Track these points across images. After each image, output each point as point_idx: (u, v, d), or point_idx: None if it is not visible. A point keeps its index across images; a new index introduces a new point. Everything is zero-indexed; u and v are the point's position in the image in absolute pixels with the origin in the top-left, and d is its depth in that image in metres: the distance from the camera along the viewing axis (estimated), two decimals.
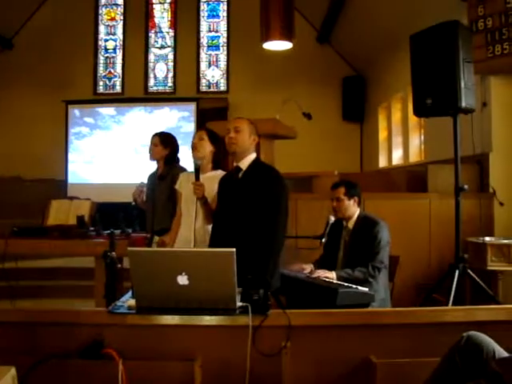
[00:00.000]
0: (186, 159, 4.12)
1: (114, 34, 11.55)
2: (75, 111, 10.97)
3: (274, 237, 2.85)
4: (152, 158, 4.06)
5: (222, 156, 3.54)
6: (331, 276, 3.37)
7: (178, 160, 4.08)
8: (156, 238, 3.86)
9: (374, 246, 3.46)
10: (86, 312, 2.37)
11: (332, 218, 3.64)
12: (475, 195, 4.80)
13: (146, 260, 2.26)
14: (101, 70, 11.50)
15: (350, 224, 3.66)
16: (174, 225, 3.61)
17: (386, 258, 3.50)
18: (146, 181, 4.15)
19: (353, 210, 3.65)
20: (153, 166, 4.20)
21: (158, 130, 4.21)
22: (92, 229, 4.14)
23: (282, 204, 2.93)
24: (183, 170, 3.90)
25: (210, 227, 3.26)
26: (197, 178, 3.20)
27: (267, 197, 2.90)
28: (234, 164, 3.13)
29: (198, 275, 2.22)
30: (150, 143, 4.06)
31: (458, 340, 2.04)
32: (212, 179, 3.33)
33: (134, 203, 4.08)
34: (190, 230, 3.38)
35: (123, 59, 11.45)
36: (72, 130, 10.94)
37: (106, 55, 11.53)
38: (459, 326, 2.25)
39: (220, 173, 3.43)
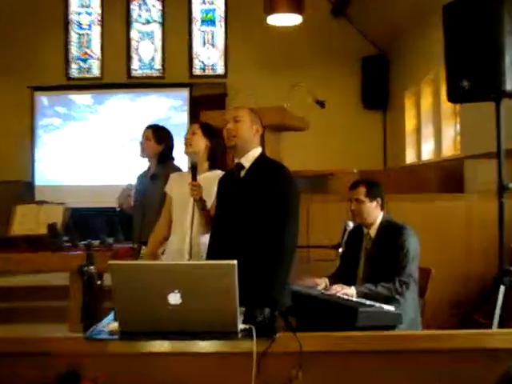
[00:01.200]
0: (178, 157, 4.14)
1: (89, 7, 11.58)
2: (43, 99, 11.01)
3: (282, 247, 2.86)
4: (143, 154, 4.08)
5: (221, 153, 3.56)
6: (350, 292, 3.38)
7: (172, 158, 4.10)
8: (144, 249, 3.87)
9: (401, 258, 3.46)
10: (59, 339, 2.38)
11: (350, 224, 3.64)
12: None
13: (131, 275, 2.26)
14: (74, 50, 11.53)
15: (372, 231, 3.66)
16: (155, 233, 3.62)
17: (415, 271, 3.50)
18: (133, 182, 4.16)
19: (375, 213, 3.65)
20: (141, 165, 4.21)
21: (145, 122, 4.24)
22: (66, 239, 4.16)
23: (291, 208, 2.94)
24: (179, 169, 3.92)
25: (207, 237, 3.27)
26: (194, 177, 3.21)
27: (274, 200, 2.91)
28: (235, 161, 3.14)
29: (192, 293, 2.22)
30: (141, 137, 4.08)
31: (505, 371, 2.04)
32: (209, 180, 3.34)
33: (119, 209, 4.10)
34: (184, 240, 3.39)
35: (101, 37, 11.49)
36: (40, 122, 10.97)
37: (79, 32, 11.57)
38: (506, 352, 2.25)
39: (219, 173, 3.45)
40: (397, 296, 3.41)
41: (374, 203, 3.65)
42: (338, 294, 3.36)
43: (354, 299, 3.31)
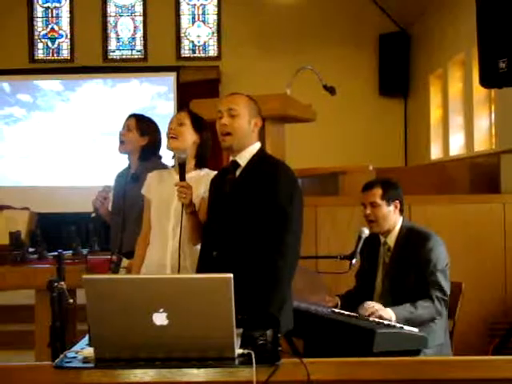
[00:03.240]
0: (165, 155, 4.12)
1: None
2: (4, 85, 11.00)
3: (280, 259, 2.87)
4: (122, 148, 4.06)
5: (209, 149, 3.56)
6: (388, 316, 3.33)
7: (159, 157, 4.09)
8: (125, 262, 3.87)
9: (432, 270, 3.46)
10: (23, 368, 2.37)
11: (366, 231, 3.64)
12: None
13: (108, 292, 2.26)
14: (39, 26, 11.53)
15: (391, 239, 3.66)
16: (139, 244, 3.62)
17: (448, 285, 3.51)
18: (111, 183, 4.15)
19: (393, 219, 3.65)
20: (120, 163, 4.19)
21: (125, 112, 4.20)
22: (32, 250, 4.16)
23: (293, 213, 2.94)
24: (165, 168, 3.91)
25: (197, 248, 3.28)
26: (182, 177, 3.21)
27: (273, 203, 2.92)
28: (230, 158, 3.15)
29: (181, 312, 2.23)
30: (121, 127, 4.06)
31: None
32: (194, 180, 3.34)
33: (94, 215, 4.09)
34: (165, 251, 3.39)
35: (71, 12, 11.47)
36: (0, 112, 10.97)
37: (46, 5, 11.55)
38: None
39: (206, 172, 3.46)
40: (438, 317, 3.42)
41: (392, 207, 3.65)
42: (372, 317, 3.33)
43: (372, 319, 3.31)
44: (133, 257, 3.77)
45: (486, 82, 4.30)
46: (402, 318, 3.34)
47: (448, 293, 3.49)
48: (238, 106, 3.08)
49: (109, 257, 4.05)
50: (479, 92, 7.88)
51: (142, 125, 4.04)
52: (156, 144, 4.08)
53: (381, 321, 3.26)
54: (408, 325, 3.27)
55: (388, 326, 3.17)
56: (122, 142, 4.05)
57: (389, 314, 3.34)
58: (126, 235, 3.94)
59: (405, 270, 3.55)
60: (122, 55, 11.46)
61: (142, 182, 3.88)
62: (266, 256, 2.86)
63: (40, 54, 11.45)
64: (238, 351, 2.28)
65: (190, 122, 3.49)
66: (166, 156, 4.06)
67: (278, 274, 2.86)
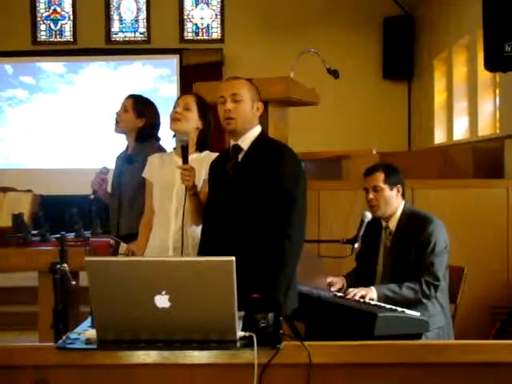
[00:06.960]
0: (166, 137, 4.11)
1: None
2: (6, 67, 10.99)
3: (287, 241, 2.88)
4: (117, 128, 4.05)
5: (211, 133, 3.55)
6: (371, 296, 3.39)
7: (157, 139, 4.08)
8: (123, 247, 3.87)
9: (428, 254, 3.48)
10: (26, 349, 2.39)
11: (368, 215, 3.65)
12: None
13: (110, 274, 2.27)
14: (42, 8, 11.49)
15: (392, 223, 3.68)
16: (143, 228, 3.62)
17: (444, 269, 3.52)
18: (112, 164, 4.14)
19: (395, 203, 3.66)
20: (122, 145, 4.19)
21: (127, 94, 4.18)
22: (35, 232, 4.17)
23: (297, 195, 2.96)
24: (163, 150, 3.90)
25: (198, 230, 3.29)
26: (184, 159, 3.21)
27: (277, 186, 2.93)
28: (231, 142, 3.15)
29: (183, 294, 2.24)
30: (120, 107, 4.04)
31: None
32: (198, 163, 3.34)
33: (93, 196, 4.09)
34: (168, 233, 3.40)
35: None
36: (2, 94, 10.97)
37: None
38: None
39: (207, 154, 3.46)
40: (424, 300, 3.43)
41: (394, 191, 3.66)
42: (357, 298, 3.37)
43: (373, 303, 3.33)
44: (130, 240, 3.78)
45: (490, 65, 4.29)
46: (383, 296, 3.39)
47: (440, 278, 3.49)
48: (241, 91, 3.09)
49: (110, 239, 4.06)
50: (484, 76, 7.85)
51: (140, 106, 4.02)
52: (153, 126, 4.06)
53: (382, 304, 3.29)
54: (390, 303, 3.30)
55: (390, 309, 3.19)
56: (117, 123, 4.04)
57: (372, 293, 3.40)
58: (123, 217, 3.95)
59: (406, 253, 3.56)
60: (125, 37, 11.42)
61: (136, 163, 3.87)
62: (272, 238, 2.88)
63: (42, 35, 11.41)
64: (240, 334, 2.29)
65: (197, 108, 3.49)
66: (165, 137, 4.05)
67: (284, 255, 2.87)
